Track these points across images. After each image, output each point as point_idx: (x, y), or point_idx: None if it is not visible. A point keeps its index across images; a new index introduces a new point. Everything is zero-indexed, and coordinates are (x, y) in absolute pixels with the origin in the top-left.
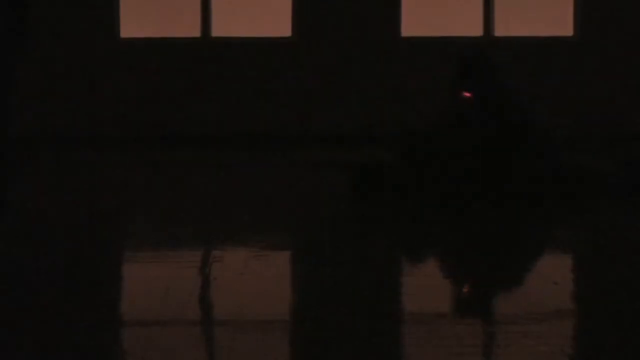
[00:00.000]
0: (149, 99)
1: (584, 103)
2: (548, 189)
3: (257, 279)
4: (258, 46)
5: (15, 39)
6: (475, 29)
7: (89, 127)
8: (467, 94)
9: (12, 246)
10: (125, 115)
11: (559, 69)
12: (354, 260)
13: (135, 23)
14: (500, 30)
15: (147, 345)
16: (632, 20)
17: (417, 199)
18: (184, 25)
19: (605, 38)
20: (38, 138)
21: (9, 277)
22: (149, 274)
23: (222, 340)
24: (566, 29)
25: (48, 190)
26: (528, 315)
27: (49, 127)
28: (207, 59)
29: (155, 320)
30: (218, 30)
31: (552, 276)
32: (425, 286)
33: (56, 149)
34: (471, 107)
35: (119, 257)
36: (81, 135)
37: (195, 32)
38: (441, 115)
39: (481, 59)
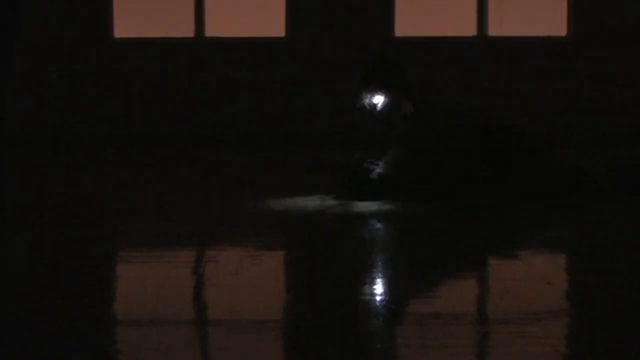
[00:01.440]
0: (142, 99)
1: (577, 103)
2: (539, 188)
3: (250, 279)
4: (252, 46)
5: (9, 40)
6: (469, 29)
7: (82, 127)
8: (374, 99)
9: (6, 245)
10: (119, 115)
11: (553, 69)
12: (347, 260)
13: (128, 23)
14: (494, 30)
15: (141, 345)
16: (625, 20)
17: (407, 198)
18: (178, 25)
19: (599, 38)
20: (30, 138)
21: (2, 276)
22: (143, 274)
23: (216, 339)
24: (560, 29)
25: (38, 190)
26: (522, 316)
27: (41, 127)
28: (201, 59)
29: (149, 320)
30: (212, 30)
31: (546, 276)
32: (418, 286)
33: (48, 149)
34: (376, 110)
35: (112, 257)
36: (73, 135)
37: (189, 32)
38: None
39: (387, 62)
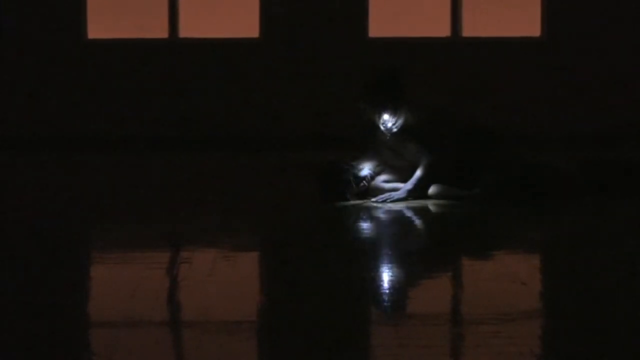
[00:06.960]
0: (116, 100)
1: (550, 104)
2: (512, 189)
3: (225, 280)
4: (226, 47)
5: None
6: (443, 30)
7: (55, 129)
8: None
9: None
10: (92, 116)
11: (526, 70)
12: (321, 261)
13: (102, 24)
14: (468, 31)
15: (115, 346)
16: (598, 21)
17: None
18: (152, 26)
19: (572, 39)
20: (3, 139)
21: None
22: (118, 275)
23: (189, 341)
24: (533, 30)
25: (12, 190)
26: (496, 316)
27: (12, 128)
28: (175, 59)
29: (124, 321)
30: (186, 31)
31: (519, 277)
32: (393, 287)
33: (22, 149)
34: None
35: (87, 258)
36: (46, 137)
37: (163, 33)
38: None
39: (392, 77)
